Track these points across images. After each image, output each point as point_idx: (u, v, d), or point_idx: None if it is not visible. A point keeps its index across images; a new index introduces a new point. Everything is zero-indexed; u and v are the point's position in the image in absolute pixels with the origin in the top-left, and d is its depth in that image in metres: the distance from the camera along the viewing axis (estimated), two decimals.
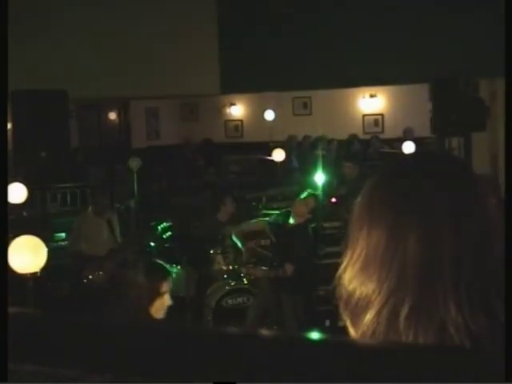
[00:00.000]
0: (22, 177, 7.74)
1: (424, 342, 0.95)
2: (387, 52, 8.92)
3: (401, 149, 10.50)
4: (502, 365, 0.62)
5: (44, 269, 4.98)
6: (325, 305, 7.01)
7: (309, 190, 7.19)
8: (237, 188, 10.77)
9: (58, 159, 7.84)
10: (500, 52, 2.47)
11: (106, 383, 0.63)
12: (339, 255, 1.10)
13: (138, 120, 15.80)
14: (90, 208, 8.18)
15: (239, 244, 7.55)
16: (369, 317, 1.00)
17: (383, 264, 1.00)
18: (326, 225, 8.06)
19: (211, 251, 7.65)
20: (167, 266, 3.91)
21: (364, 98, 15.31)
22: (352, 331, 1.04)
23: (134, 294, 3.65)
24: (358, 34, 8.96)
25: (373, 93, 15.10)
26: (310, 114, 15.56)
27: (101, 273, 7.40)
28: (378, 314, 0.99)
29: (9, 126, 7.09)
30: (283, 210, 7.41)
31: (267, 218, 7.49)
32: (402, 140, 12.04)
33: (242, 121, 16.32)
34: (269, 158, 11.85)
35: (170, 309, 3.76)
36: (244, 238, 7.73)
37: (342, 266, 1.06)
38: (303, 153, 13.64)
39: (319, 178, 8.16)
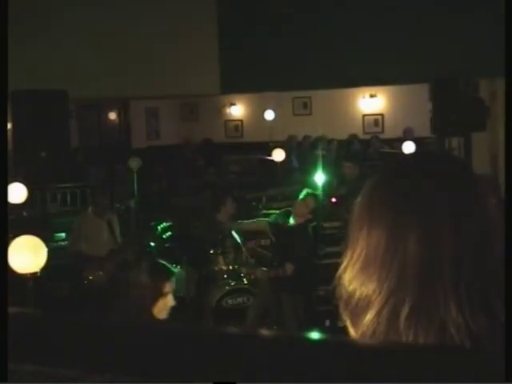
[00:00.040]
0: (22, 177, 7.74)
1: (424, 342, 0.95)
2: (387, 52, 8.92)
3: (401, 149, 10.50)
4: (502, 365, 0.62)
5: (44, 269, 4.98)
6: (325, 305, 7.01)
7: (306, 190, 7.18)
8: (237, 188, 10.77)
9: (58, 159, 7.83)
10: (500, 52, 2.47)
11: (105, 383, 0.63)
12: (339, 255, 1.10)
13: (138, 120, 15.80)
14: (90, 208, 8.18)
15: (239, 240, 7.55)
16: (369, 317, 1.00)
17: (383, 264, 1.00)
18: (326, 225, 8.06)
19: (211, 251, 7.65)
20: (170, 267, 3.90)
21: (364, 98, 15.31)
22: (352, 331, 1.04)
23: (137, 295, 3.65)
24: (357, 34, 8.96)
25: (373, 93, 15.10)
26: (310, 114, 15.56)
27: (101, 273, 7.40)
28: (379, 314, 0.99)
29: (9, 126, 7.09)
30: (283, 209, 7.41)
31: (267, 218, 7.49)
32: (401, 140, 12.04)
33: (241, 121, 16.32)
34: (269, 158, 11.84)
35: (173, 309, 3.76)
36: (244, 237, 7.74)
37: (342, 266, 1.06)
38: (303, 153, 13.64)
39: (319, 177, 8.16)
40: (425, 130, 10.33)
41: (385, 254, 1.00)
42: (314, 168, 8.55)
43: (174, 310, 3.76)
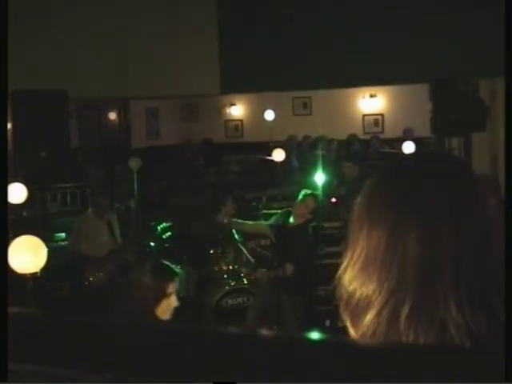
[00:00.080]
0: (22, 177, 7.74)
1: (424, 342, 0.95)
2: (387, 52, 8.92)
3: (401, 149, 10.50)
4: (502, 365, 0.62)
5: (44, 269, 4.98)
6: (325, 305, 7.01)
7: (305, 191, 7.18)
8: (237, 188, 10.76)
9: (58, 159, 7.84)
10: (500, 52, 2.47)
11: (105, 383, 0.63)
12: (339, 255, 1.10)
13: (138, 120, 15.80)
14: (90, 209, 8.17)
15: (239, 239, 7.55)
16: (369, 317, 1.00)
17: (383, 264, 1.00)
18: (326, 225, 8.06)
19: (211, 251, 7.65)
20: (174, 267, 3.88)
21: (364, 98, 15.31)
22: (352, 331, 1.04)
23: (141, 295, 3.63)
24: (358, 34, 8.96)
25: (373, 93, 15.10)
26: (309, 114, 15.56)
27: (101, 274, 7.40)
28: (379, 314, 0.99)
29: (9, 126, 7.09)
30: (284, 210, 7.41)
31: (268, 222, 7.48)
32: (401, 140, 12.03)
33: (242, 121, 16.31)
34: (269, 158, 11.84)
35: (177, 310, 3.75)
36: (244, 237, 7.74)
37: (342, 267, 1.06)
38: (303, 153, 13.64)
39: (319, 177, 8.16)
40: (425, 130, 10.33)
41: (385, 254, 1.00)
42: (313, 168, 8.55)
43: (177, 311, 3.75)
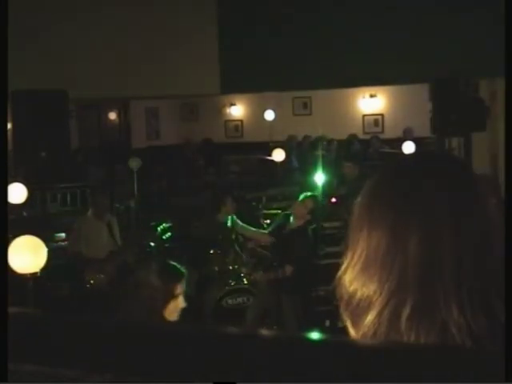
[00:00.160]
0: (22, 177, 7.74)
1: (425, 343, 0.95)
2: (387, 52, 8.92)
3: (401, 149, 10.49)
4: (502, 365, 0.62)
5: (44, 269, 4.98)
6: (325, 305, 7.00)
7: (305, 194, 7.19)
8: (237, 188, 10.76)
9: (58, 159, 7.84)
10: (500, 52, 2.47)
11: (105, 383, 0.63)
12: (339, 255, 1.09)
13: (138, 120, 15.80)
14: (90, 211, 8.14)
15: (239, 239, 7.56)
16: (370, 318, 1.00)
17: (384, 265, 1.00)
18: (326, 225, 8.06)
19: (211, 251, 7.65)
20: (180, 267, 3.85)
21: (364, 98, 15.31)
22: (353, 332, 1.03)
23: (147, 296, 3.61)
24: (358, 34, 8.96)
25: (373, 93, 15.10)
26: (310, 114, 15.56)
27: (102, 276, 7.40)
28: (380, 314, 0.99)
29: (9, 126, 7.09)
30: (282, 213, 7.44)
31: (268, 230, 7.50)
32: (401, 140, 12.03)
33: (242, 121, 16.32)
34: (269, 158, 11.84)
35: (184, 311, 3.73)
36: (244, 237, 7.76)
37: (343, 267, 1.06)
38: (303, 153, 13.64)
39: (319, 178, 8.15)
40: (425, 130, 10.33)
41: (385, 255, 1.00)
42: (313, 168, 8.55)
43: (185, 312, 3.73)
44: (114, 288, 6.80)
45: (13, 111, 7.44)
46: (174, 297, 3.65)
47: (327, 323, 7.12)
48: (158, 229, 8.95)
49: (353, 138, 14.29)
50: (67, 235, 8.47)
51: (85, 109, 14.44)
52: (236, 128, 16.37)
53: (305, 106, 15.71)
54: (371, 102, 15.30)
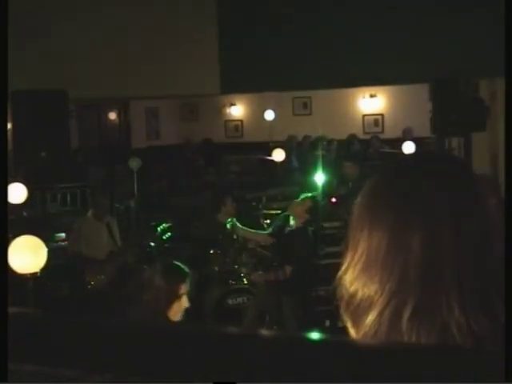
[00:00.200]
0: (22, 177, 7.73)
1: (426, 343, 0.95)
2: (387, 52, 8.93)
3: (401, 149, 10.49)
4: (502, 365, 0.62)
5: (44, 269, 4.98)
6: (325, 305, 7.00)
7: (304, 195, 7.19)
8: (237, 188, 10.76)
9: (58, 159, 7.84)
10: (500, 52, 2.47)
11: (105, 383, 0.63)
12: (339, 255, 1.09)
13: (138, 120, 15.81)
14: (90, 211, 8.12)
15: (239, 239, 7.56)
16: (371, 318, 1.00)
17: (385, 265, 1.00)
18: (326, 225, 8.06)
19: (211, 251, 7.65)
20: (184, 268, 3.84)
21: (364, 98, 15.31)
22: (353, 332, 1.03)
23: (152, 298, 3.60)
24: (358, 34, 8.96)
25: (373, 93, 15.10)
26: (310, 114, 15.56)
27: (102, 277, 7.39)
28: (380, 315, 0.99)
29: (9, 126, 7.09)
30: (281, 214, 7.44)
31: (267, 231, 7.50)
32: (401, 140, 12.03)
33: (242, 121, 16.32)
34: (269, 158, 11.84)
35: (188, 311, 3.72)
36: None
37: (343, 268, 1.06)
38: (303, 153, 13.64)
39: (319, 178, 8.15)
40: (425, 130, 10.33)
41: (386, 255, 1.00)
42: (313, 168, 8.55)
43: (188, 312, 3.72)
44: (114, 288, 6.80)
45: (13, 111, 7.44)
46: (178, 297, 3.64)
47: (327, 323, 7.12)
48: (158, 229, 8.95)
49: (353, 138, 14.29)
50: (67, 235, 8.47)
51: (85, 109, 14.44)
52: (236, 128, 16.37)
53: (305, 106, 15.71)
54: (371, 102, 15.30)
